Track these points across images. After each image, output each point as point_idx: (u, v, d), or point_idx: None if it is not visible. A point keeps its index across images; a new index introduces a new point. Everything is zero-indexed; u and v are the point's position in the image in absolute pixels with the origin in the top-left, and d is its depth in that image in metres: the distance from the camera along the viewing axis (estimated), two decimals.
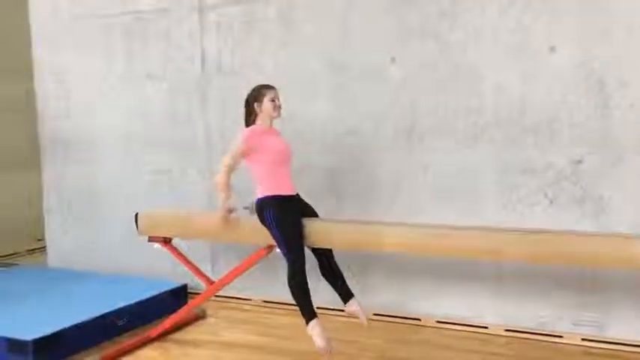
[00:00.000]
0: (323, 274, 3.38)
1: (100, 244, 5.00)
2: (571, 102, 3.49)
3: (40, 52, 5.16)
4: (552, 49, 3.51)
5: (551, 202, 3.58)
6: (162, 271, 4.55)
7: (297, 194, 3.38)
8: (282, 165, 3.32)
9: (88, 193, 5.05)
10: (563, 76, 3.50)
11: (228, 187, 3.27)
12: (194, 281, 4.10)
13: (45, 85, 5.16)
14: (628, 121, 3.38)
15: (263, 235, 3.42)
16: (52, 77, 5.11)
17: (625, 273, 3.40)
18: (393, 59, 3.90)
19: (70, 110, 5.06)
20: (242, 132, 3.33)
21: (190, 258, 3.88)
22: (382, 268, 4.06)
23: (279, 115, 3.37)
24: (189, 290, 4.40)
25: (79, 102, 5.02)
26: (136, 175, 4.81)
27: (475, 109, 3.72)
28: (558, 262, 3.00)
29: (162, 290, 4.23)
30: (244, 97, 4.32)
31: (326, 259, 3.37)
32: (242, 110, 4.35)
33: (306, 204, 3.39)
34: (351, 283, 4.14)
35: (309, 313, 3.17)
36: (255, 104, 3.34)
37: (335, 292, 3.38)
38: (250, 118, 3.40)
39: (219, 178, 3.26)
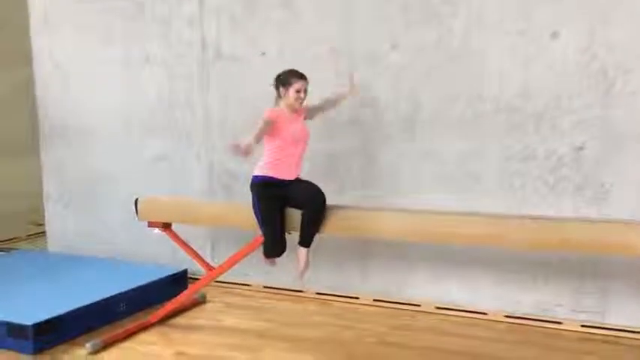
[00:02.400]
0: (302, 217, 3.31)
1: (99, 229, 5.00)
2: (573, 88, 3.48)
3: (38, 37, 5.12)
4: (555, 35, 3.48)
5: (552, 189, 3.58)
6: (162, 257, 4.56)
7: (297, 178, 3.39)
8: (290, 149, 3.32)
9: (87, 178, 5.04)
10: (566, 62, 3.47)
11: (251, 148, 3.09)
12: (194, 266, 4.10)
13: (44, 71, 5.13)
14: (630, 109, 3.36)
15: None
16: (51, 63, 5.08)
17: (625, 260, 3.41)
18: (394, 45, 3.87)
19: (69, 96, 5.04)
20: (265, 111, 3.30)
21: (190, 243, 3.88)
22: (382, 254, 4.07)
23: (300, 106, 3.36)
24: (189, 275, 4.41)
25: (78, 87, 4.99)
26: (135, 160, 4.80)
27: (476, 95, 3.70)
28: (558, 248, 3.00)
29: (163, 275, 4.23)
30: (244, 82, 4.33)
31: (313, 211, 3.29)
32: (242, 95, 4.37)
33: (301, 182, 3.37)
34: (351, 266, 4.17)
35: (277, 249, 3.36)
36: (282, 88, 3.35)
37: (300, 228, 3.34)
38: (277, 97, 3.40)
39: (242, 144, 3.07)
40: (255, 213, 3.34)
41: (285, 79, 3.34)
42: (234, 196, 4.39)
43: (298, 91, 3.32)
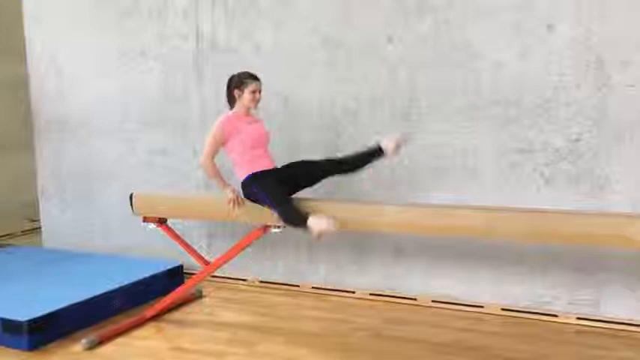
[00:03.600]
0: (351, 170, 3.34)
1: (95, 224, 4.99)
2: (569, 80, 3.46)
3: (32, 31, 5.09)
4: (551, 26, 3.47)
5: (549, 182, 3.57)
6: (157, 252, 4.55)
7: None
8: (258, 148, 3.36)
9: (82, 173, 5.02)
10: (562, 54, 3.46)
11: (217, 172, 3.38)
12: (190, 261, 4.08)
13: (38, 65, 5.10)
14: (626, 100, 3.35)
15: (259, 215, 3.41)
16: (46, 57, 5.05)
17: (621, 252, 3.41)
18: (390, 37, 3.85)
19: (63, 90, 5.01)
20: (218, 119, 3.39)
21: (186, 238, 3.86)
22: (379, 248, 4.06)
23: (255, 107, 3.42)
24: (185, 270, 4.40)
25: (73, 81, 4.96)
26: (130, 155, 4.78)
27: (473, 87, 3.68)
28: (555, 241, 2.99)
29: (158, 270, 4.22)
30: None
31: (334, 167, 3.33)
32: None
33: (290, 164, 3.41)
34: (347, 260, 4.16)
35: (304, 216, 3.04)
36: (236, 91, 3.38)
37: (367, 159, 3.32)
38: (230, 100, 3.44)
39: (203, 166, 3.38)
40: (263, 202, 3.25)
41: (239, 81, 3.37)
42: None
43: (253, 92, 3.35)
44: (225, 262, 3.62)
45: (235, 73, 3.44)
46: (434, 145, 3.81)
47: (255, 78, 3.40)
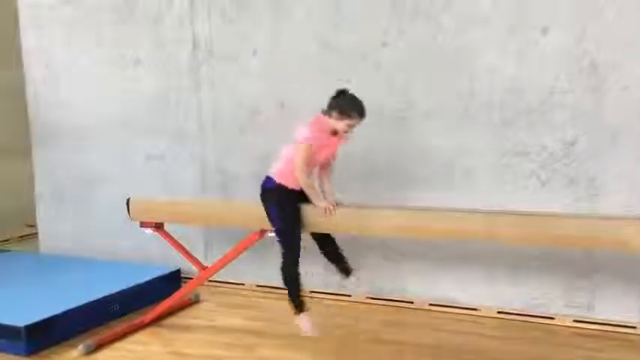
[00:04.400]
0: (325, 255, 3.40)
1: (92, 229, 4.98)
2: (564, 83, 3.49)
3: (28, 37, 5.09)
4: (545, 30, 3.49)
5: (544, 184, 3.59)
6: (155, 257, 4.55)
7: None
8: (321, 169, 3.25)
9: (79, 178, 5.02)
10: (556, 57, 3.48)
11: (311, 183, 3.15)
12: (187, 266, 4.09)
13: (34, 71, 5.10)
14: (621, 103, 3.38)
15: (256, 220, 3.41)
16: (42, 63, 5.05)
17: (616, 254, 3.42)
18: (385, 42, 3.87)
19: (60, 96, 5.01)
20: (303, 135, 3.12)
21: (183, 243, 3.87)
22: (376, 251, 4.07)
23: (343, 140, 3.21)
24: (182, 275, 4.40)
25: (70, 87, 4.97)
26: (127, 161, 4.79)
27: (468, 91, 3.70)
28: (551, 244, 3.01)
29: (156, 275, 4.22)
30: (236, 80, 4.30)
31: (326, 243, 3.36)
32: (234, 93, 4.34)
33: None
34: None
35: (299, 304, 3.14)
36: (335, 113, 3.10)
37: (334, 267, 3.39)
38: (329, 110, 3.15)
39: (300, 180, 3.11)
40: (272, 220, 3.18)
41: (344, 110, 3.09)
42: (228, 195, 4.38)
43: (350, 126, 3.11)
44: (222, 267, 3.63)
45: (351, 92, 3.14)
46: (429, 148, 3.83)
47: (361, 115, 3.11)
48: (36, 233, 5.42)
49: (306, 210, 3.22)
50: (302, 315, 3.13)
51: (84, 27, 4.83)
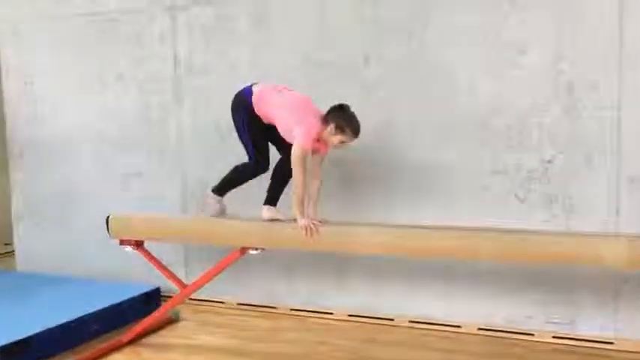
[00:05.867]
0: (274, 171, 3.50)
1: (70, 247, 4.92)
2: (541, 103, 3.54)
3: (7, 52, 5.06)
4: (523, 51, 3.55)
5: (523, 202, 3.63)
6: (134, 274, 4.50)
7: None
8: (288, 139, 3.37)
9: (58, 195, 4.96)
10: (534, 77, 3.54)
11: (304, 187, 3.21)
12: (167, 284, 4.05)
13: (13, 87, 5.06)
14: (597, 123, 3.44)
15: (237, 237, 3.41)
16: (21, 79, 5.01)
17: (594, 271, 3.46)
18: (366, 59, 3.91)
19: (39, 112, 4.97)
20: (311, 124, 3.24)
21: (163, 260, 3.84)
22: (356, 269, 4.07)
23: (334, 146, 3.32)
24: (162, 293, 4.36)
25: (49, 104, 4.93)
26: (107, 177, 4.75)
27: (448, 109, 3.74)
28: (530, 261, 3.04)
29: (135, 294, 4.18)
30: (217, 96, 4.31)
31: (286, 162, 3.35)
32: (215, 110, 4.33)
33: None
34: (326, 282, 4.16)
35: (222, 191, 3.54)
36: (332, 125, 3.22)
37: (267, 189, 3.49)
38: (326, 120, 3.27)
39: (295, 176, 3.21)
40: (242, 138, 3.44)
41: (345, 127, 3.22)
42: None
43: (342, 142, 3.26)
44: (202, 285, 3.60)
45: (351, 111, 3.27)
46: (410, 166, 3.86)
47: (356, 134, 3.25)
48: (13, 251, 5.33)
49: (288, 227, 3.22)
50: (214, 196, 3.52)
51: (65, 44, 4.81)
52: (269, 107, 3.36)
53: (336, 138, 3.24)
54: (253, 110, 3.39)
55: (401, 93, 3.85)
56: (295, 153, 3.18)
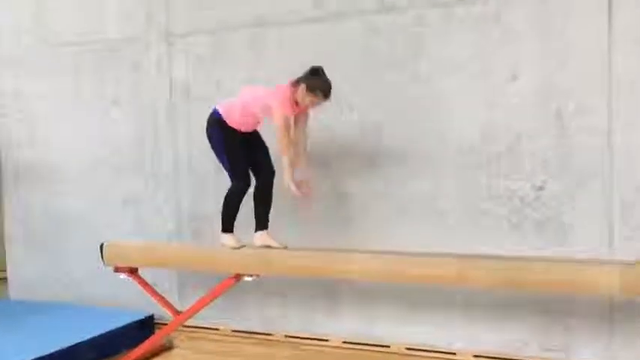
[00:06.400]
0: (254, 196, 3.57)
1: (64, 273, 4.90)
2: (532, 129, 3.57)
3: (3, 78, 5.09)
4: (514, 77, 3.60)
5: (516, 228, 3.64)
6: (128, 301, 4.47)
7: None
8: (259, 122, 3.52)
9: (52, 221, 4.95)
10: (524, 103, 3.58)
11: (289, 148, 3.38)
12: (161, 311, 4.03)
13: (9, 112, 5.07)
14: (587, 148, 3.46)
15: (231, 264, 3.41)
16: (16, 104, 5.03)
17: (589, 297, 3.46)
18: (360, 85, 3.94)
19: (34, 137, 4.98)
20: (281, 97, 3.39)
21: (157, 287, 3.83)
22: (350, 296, 4.06)
23: (308, 108, 3.48)
24: (155, 320, 4.33)
25: (44, 129, 4.94)
26: (102, 203, 4.75)
27: (439, 136, 3.77)
28: (524, 288, 3.04)
29: (128, 321, 4.15)
30: None
31: (263, 185, 3.55)
32: None
33: (257, 137, 3.61)
34: (320, 308, 4.15)
35: (228, 225, 3.52)
36: (304, 86, 3.37)
37: (254, 215, 3.56)
38: (297, 82, 3.42)
39: (281, 147, 3.37)
40: (220, 159, 3.52)
41: (315, 88, 3.36)
42: (203, 239, 4.36)
43: (313, 103, 3.42)
44: (196, 312, 3.59)
45: (322, 72, 3.40)
46: (402, 192, 3.87)
47: (326, 96, 3.40)
48: (5, 278, 5.30)
49: (282, 253, 3.23)
50: (227, 234, 3.51)
51: (61, 68, 4.84)
52: (237, 109, 3.50)
53: (308, 98, 3.37)
54: (226, 123, 3.48)
55: (393, 119, 3.88)
56: (278, 123, 3.34)
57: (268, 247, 3.41)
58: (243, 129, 3.51)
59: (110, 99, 4.69)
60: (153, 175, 4.58)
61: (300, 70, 4.02)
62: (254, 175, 3.58)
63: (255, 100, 3.48)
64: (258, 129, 3.62)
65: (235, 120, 3.49)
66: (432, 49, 3.77)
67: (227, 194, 3.52)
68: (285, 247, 3.41)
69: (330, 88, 3.39)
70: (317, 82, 3.37)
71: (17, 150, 5.08)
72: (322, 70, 3.40)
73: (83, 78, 4.77)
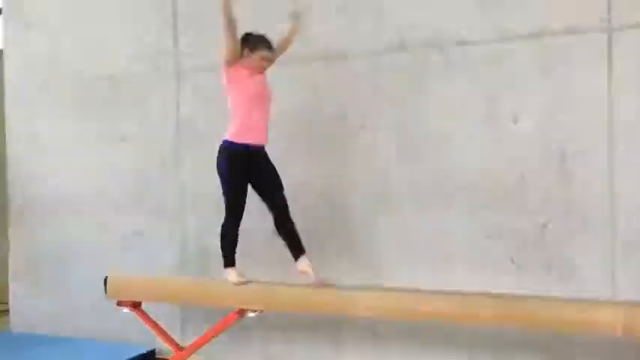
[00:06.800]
0: (277, 229, 3.55)
1: (66, 307, 4.88)
2: (534, 169, 3.61)
3: (13, 113, 5.16)
4: (516, 119, 3.66)
5: (519, 267, 3.65)
6: (130, 335, 4.45)
7: (265, 150, 3.58)
8: (259, 106, 3.49)
9: (56, 254, 4.94)
10: (527, 144, 3.63)
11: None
12: (163, 346, 4.02)
13: (18, 147, 5.13)
14: (589, 188, 3.50)
15: (234, 300, 3.41)
16: (25, 139, 5.09)
17: (591, 337, 3.45)
18: (363, 125, 4.00)
19: (42, 171, 5.02)
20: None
21: (159, 321, 3.82)
22: (356, 331, 4.03)
23: (263, 70, 3.55)
24: (157, 355, 4.31)
25: (51, 163, 4.98)
26: (106, 237, 4.76)
27: (444, 175, 3.81)
28: (526, 327, 3.04)
29: (130, 356, 4.14)
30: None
31: (280, 216, 3.53)
32: (215, 173, 4.38)
33: (268, 164, 3.58)
34: (324, 345, 4.12)
35: (229, 260, 3.50)
36: (246, 51, 3.48)
37: (287, 248, 3.54)
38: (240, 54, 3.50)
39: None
40: (221, 183, 3.50)
41: (254, 44, 3.48)
42: (208, 273, 4.36)
43: (263, 58, 3.49)
44: (199, 348, 3.58)
45: (251, 33, 3.52)
46: (407, 229, 3.90)
47: (269, 47, 3.50)
48: (7, 310, 5.29)
49: (287, 288, 3.23)
50: (230, 269, 3.49)
51: (69, 104, 4.90)
52: (231, 117, 3.53)
53: (256, 56, 3.46)
54: (232, 145, 3.48)
55: (398, 157, 3.92)
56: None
57: (305, 273, 3.43)
58: (249, 139, 3.49)
59: (116, 134, 4.74)
60: (158, 209, 4.61)
61: (307, 107, 4.11)
62: (268, 207, 3.57)
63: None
64: (264, 143, 3.60)
65: (237, 128, 3.49)
66: (435, 89, 3.83)
67: (221, 228, 3.53)
68: (321, 285, 3.39)
69: (267, 38, 3.52)
70: (255, 38, 3.50)
71: (24, 184, 5.12)
72: (252, 33, 3.52)
73: (90, 113, 4.83)
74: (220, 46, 3.46)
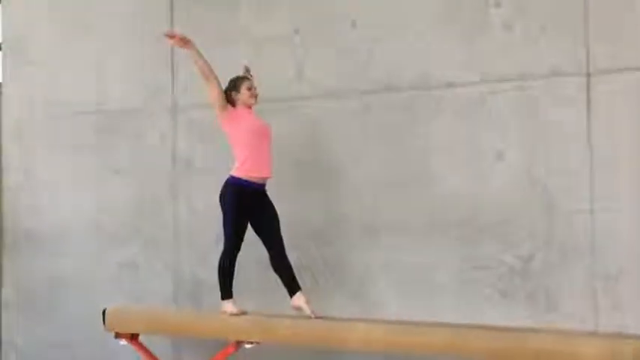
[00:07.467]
0: (273, 267, 3.64)
1: (60, 339, 4.88)
2: (518, 204, 3.75)
3: (9, 147, 5.21)
4: (500, 156, 3.82)
5: (505, 298, 3.77)
6: None
7: (265, 189, 3.70)
8: (261, 141, 3.65)
9: (49, 287, 4.96)
10: (511, 180, 3.78)
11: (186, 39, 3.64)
12: None
13: (13, 180, 5.17)
14: (572, 223, 3.64)
15: (231, 331, 3.48)
16: (21, 171, 5.14)
17: None
18: (355, 160, 4.14)
19: (37, 204, 5.06)
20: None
21: (156, 353, 3.85)
22: None
23: (255, 102, 3.74)
24: None
25: (47, 196, 5.03)
26: (101, 270, 4.79)
27: (432, 209, 3.94)
28: (512, 357, 3.13)
29: None
30: (214, 192, 4.43)
31: (277, 254, 3.63)
32: (211, 206, 4.43)
33: (269, 205, 3.70)
34: None
35: (227, 291, 3.60)
36: (233, 93, 3.69)
37: (283, 284, 3.63)
38: (230, 100, 3.71)
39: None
40: (224, 218, 3.61)
41: (233, 85, 3.71)
42: (200, 305, 4.42)
43: (249, 89, 3.70)
44: None
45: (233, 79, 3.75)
46: (394, 262, 4.00)
47: (245, 78, 3.74)
48: None
49: (282, 321, 3.29)
50: (227, 301, 3.59)
51: (65, 138, 4.97)
52: (236, 153, 3.70)
53: (244, 91, 3.68)
54: (238, 182, 3.61)
55: (386, 194, 4.05)
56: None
57: (299, 309, 3.52)
58: (255, 175, 3.62)
59: (112, 168, 4.81)
60: (153, 241, 4.66)
61: (302, 147, 4.21)
62: (265, 245, 3.68)
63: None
64: (270, 176, 3.73)
65: (243, 165, 3.62)
66: (423, 124, 3.98)
67: (219, 260, 3.62)
68: (312, 317, 3.48)
69: (244, 72, 3.78)
70: (230, 84, 3.72)
71: (18, 217, 5.14)
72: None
73: (86, 148, 4.89)
74: (208, 95, 3.66)
